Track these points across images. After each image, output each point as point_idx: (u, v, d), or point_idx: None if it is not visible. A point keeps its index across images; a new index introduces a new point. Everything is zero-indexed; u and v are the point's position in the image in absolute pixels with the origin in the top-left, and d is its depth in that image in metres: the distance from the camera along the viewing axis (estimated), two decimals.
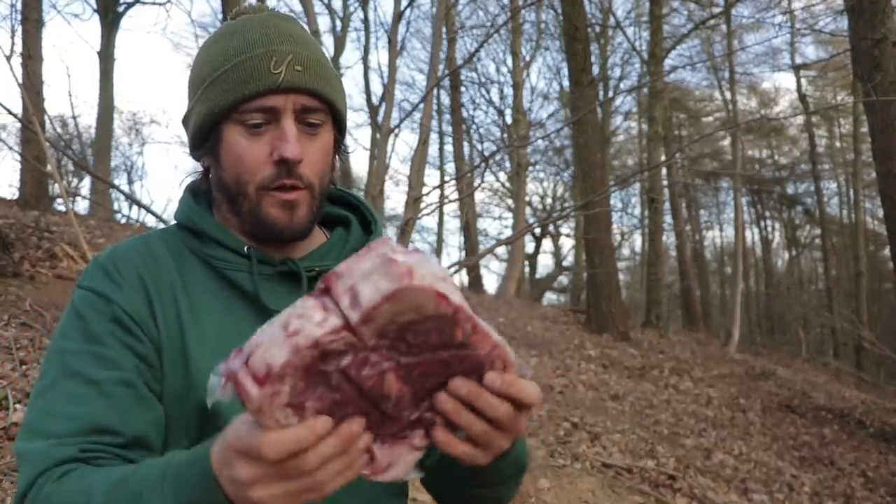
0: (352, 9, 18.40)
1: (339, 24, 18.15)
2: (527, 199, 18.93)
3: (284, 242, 1.01)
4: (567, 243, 23.72)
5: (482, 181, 19.47)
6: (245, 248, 0.99)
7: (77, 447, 0.82)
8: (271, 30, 0.98)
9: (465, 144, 18.89)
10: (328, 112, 0.99)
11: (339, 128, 1.03)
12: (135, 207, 18.05)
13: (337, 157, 1.06)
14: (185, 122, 1.04)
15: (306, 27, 1.08)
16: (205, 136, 0.99)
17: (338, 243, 1.07)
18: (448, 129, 18.41)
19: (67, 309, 0.95)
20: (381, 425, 0.68)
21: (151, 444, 0.89)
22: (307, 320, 0.61)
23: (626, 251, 25.66)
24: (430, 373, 0.67)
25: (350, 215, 1.11)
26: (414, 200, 3.75)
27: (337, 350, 0.62)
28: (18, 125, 8.23)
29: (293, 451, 0.62)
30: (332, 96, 0.98)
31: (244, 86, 0.94)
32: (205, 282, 0.98)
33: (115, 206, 16.80)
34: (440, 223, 21.47)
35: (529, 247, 21.45)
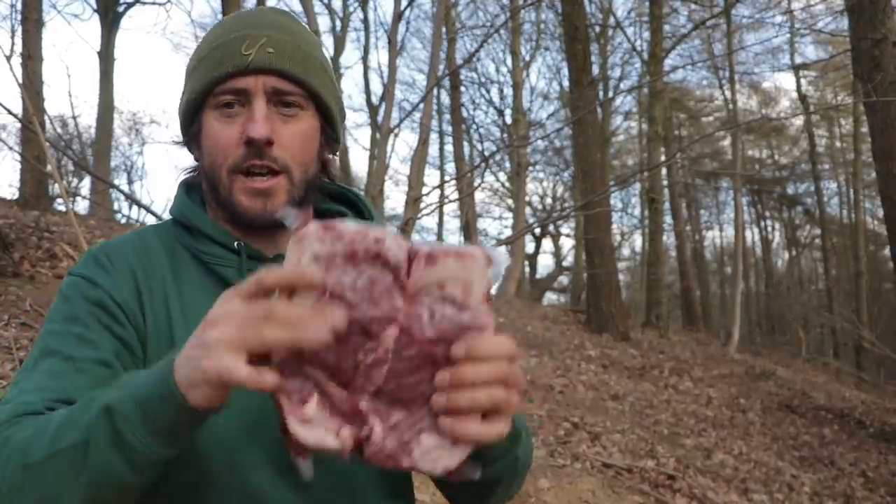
0: (352, 9, 18.41)
1: (339, 24, 18.16)
2: (527, 199, 18.95)
3: (267, 232, 0.99)
4: (567, 243, 23.76)
5: (482, 181, 19.49)
6: (235, 244, 0.98)
7: (42, 404, 0.81)
8: (253, 17, 0.98)
9: (465, 144, 18.90)
10: (308, 98, 0.97)
11: (327, 118, 1.01)
12: (135, 207, 18.07)
13: (328, 148, 1.03)
14: (179, 113, 1.04)
15: (306, 26, 1.07)
16: (188, 123, 1.00)
17: None
18: (448, 129, 18.42)
19: (57, 296, 0.95)
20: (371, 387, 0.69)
21: None
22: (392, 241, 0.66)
23: (626, 251, 25.69)
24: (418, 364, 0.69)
25: (348, 211, 1.10)
26: (414, 200, 3.75)
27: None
28: (18, 125, 8.22)
29: (282, 284, 0.65)
30: (307, 79, 0.95)
31: (216, 69, 0.94)
32: (196, 278, 0.97)
33: (115, 206, 16.80)
34: (440, 223, 21.48)
35: (529, 247, 21.47)
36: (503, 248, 0.69)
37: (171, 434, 0.71)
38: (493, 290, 0.68)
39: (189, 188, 1.06)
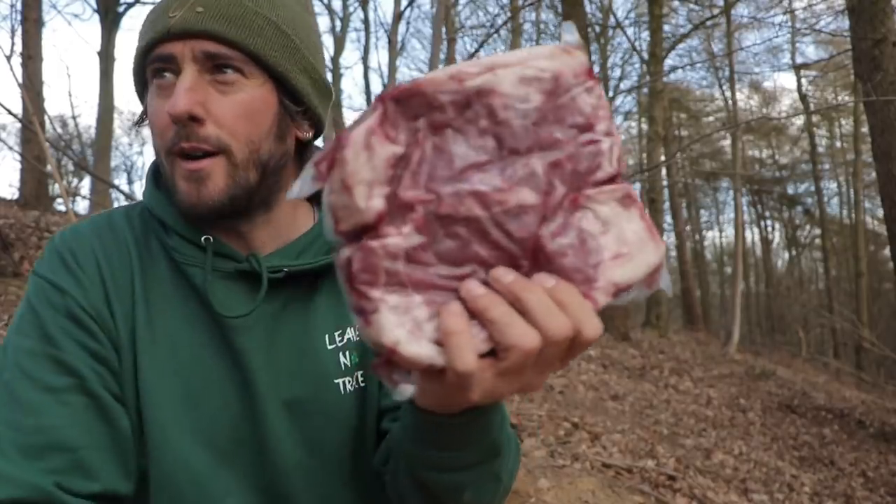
0: (352, 9, 18.40)
1: (339, 24, 18.16)
2: None
3: (235, 224, 0.85)
4: None
5: None
6: (202, 239, 0.84)
7: (51, 480, 0.73)
8: None
9: None
10: (254, 64, 0.80)
11: (288, 88, 0.83)
12: None
13: (297, 126, 0.87)
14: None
15: None
16: (140, 99, 0.86)
17: (317, 237, 0.89)
18: None
19: (23, 301, 0.84)
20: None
21: (99, 470, 0.77)
22: None
23: None
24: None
25: None
26: None
27: None
28: (18, 125, 8.23)
29: None
30: (245, 40, 0.78)
31: (143, 37, 0.80)
32: (165, 277, 0.85)
33: (115, 206, 16.80)
34: None
35: None
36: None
37: None
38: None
39: (157, 173, 0.91)
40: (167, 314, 0.84)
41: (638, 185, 16.70)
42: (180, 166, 0.79)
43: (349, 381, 0.87)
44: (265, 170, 0.82)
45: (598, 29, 15.64)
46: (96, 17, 14.24)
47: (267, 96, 0.81)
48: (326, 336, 0.87)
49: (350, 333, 0.88)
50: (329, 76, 0.94)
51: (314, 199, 0.94)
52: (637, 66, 17.86)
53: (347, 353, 0.88)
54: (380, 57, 29.15)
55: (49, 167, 4.81)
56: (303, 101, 0.85)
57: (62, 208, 8.72)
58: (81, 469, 0.75)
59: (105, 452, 0.78)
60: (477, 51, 4.59)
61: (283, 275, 0.84)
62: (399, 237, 0.50)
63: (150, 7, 0.84)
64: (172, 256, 0.85)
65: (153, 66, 0.80)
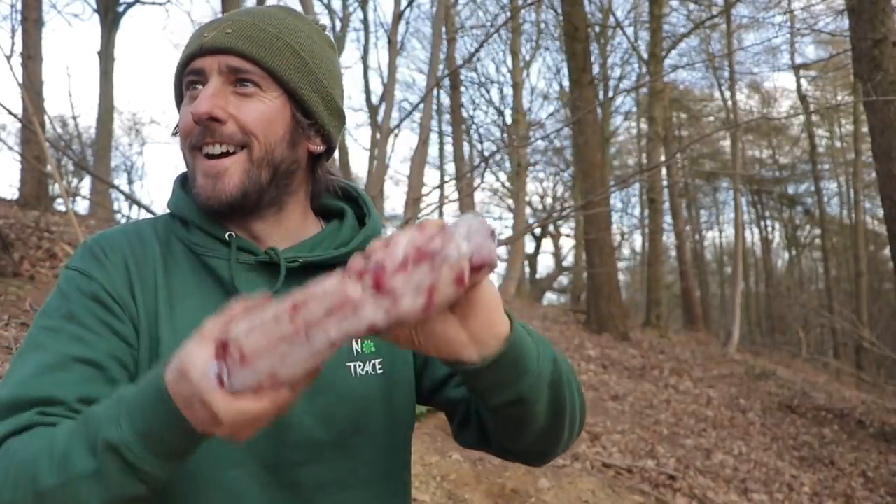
0: (352, 9, 18.41)
1: (339, 24, 18.16)
2: (527, 199, 18.93)
3: (250, 221, 0.96)
4: (567, 243, 23.76)
5: (482, 181, 19.50)
6: (226, 235, 0.95)
7: (33, 412, 0.81)
8: (233, 6, 1.01)
9: (465, 144, 18.90)
10: (271, 80, 0.92)
11: (301, 105, 0.95)
12: (135, 207, 18.06)
13: (308, 139, 0.98)
14: None
15: (307, 21, 1.06)
16: (178, 108, 1.00)
17: (330, 235, 1.02)
18: (448, 129, 18.42)
19: (54, 290, 0.95)
20: None
21: None
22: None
23: (626, 251, 25.68)
24: None
25: (346, 207, 1.07)
26: (414, 200, 3.75)
27: None
28: (18, 125, 8.22)
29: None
30: (264, 59, 0.92)
31: (182, 55, 0.95)
32: (187, 269, 0.95)
33: (115, 206, 16.82)
34: None
35: (529, 247, 21.46)
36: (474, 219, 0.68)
37: (180, 451, 0.74)
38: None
39: (185, 180, 1.04)
40: (188, 300, 0.94)
41: (638, 185, 16.73)
42: (201, 162, 0.92)
43: (360, 366, 0.97)
44: (276, 171, 0.94)
45: (598, 29, 15.64)
46: (96, 17, 14.26)
47: (281, 108, 0.94)
48: None
49: None
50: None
51: (320, 212, 1.07)
52: (637, 66, 17.87)
53: (360, 341, 0.99)
54: (380, 57, 29.09)
55: (49, 167, 4.81)
56: (313, 116, 0.97)
57: (62, 208, 8.71)
58: (72, 412, 0.83)
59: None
60: (477, 51, 4.58)
61: (298, 265, 0.95)
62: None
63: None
64: (194, 251, 0.95)
65: (187, 79, 0.94)
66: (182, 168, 1.07)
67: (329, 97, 0.98)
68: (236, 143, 0.91)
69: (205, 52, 0.92)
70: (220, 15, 1.10)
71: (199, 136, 0.91)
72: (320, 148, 1.00)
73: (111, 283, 0.91)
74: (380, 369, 0.98)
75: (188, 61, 0.94)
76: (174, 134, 1.00)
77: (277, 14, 0.98)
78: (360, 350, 0.98)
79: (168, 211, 1.03)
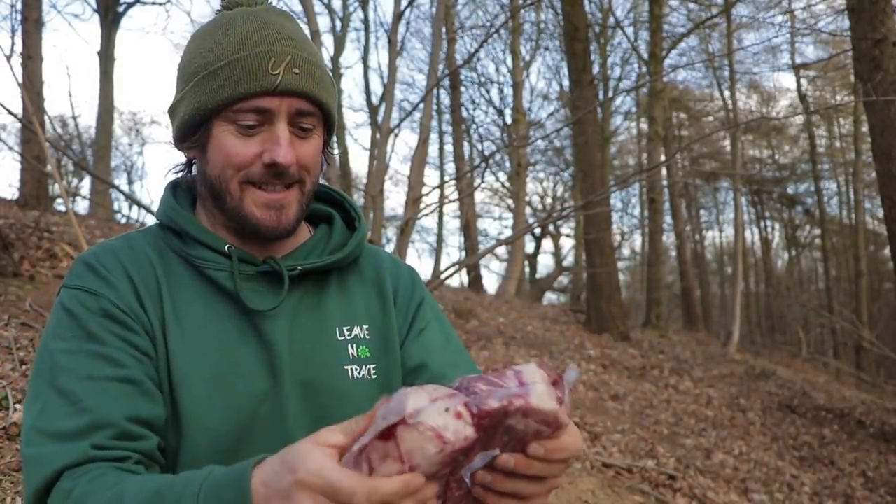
0: (352, 9, 18.39)
1: (339, 24, 18.15)
2: (527, 199, 18.94)
3: (268, 241, 1.00)
4: (567, 243, 23.76)
5: (482, 181, 19.47)
6: (226, 248, 0.97)
7: (88, 443, 0.80)
8: (270, 28, 0.95)
9: (465, 144, 18.89)
10: (320, 116, 0.98)
11: (329, 129, 1.03)
12: (135, 207, 18.07)
13: (323, 157, 1.05)
14: (171, 112, 1.01)
15: (305, 27, 1.07)
16: (193, 129, 0.97)
17: (321, 240, 1.06)
18: (448, 129, 18.42)
19: (55, 311, 0.93)
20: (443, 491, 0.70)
21: (155, 434, 0.88)
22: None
23: (626, 251, 25.66)
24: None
25: (333, 212, 1.10)
26: (414, 200, 3.75)
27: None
28: (18, 125, 8.22)
29: (383, 502, 0.62)
30: (326, 100, 0.97)
31: (240, 84, 0.92)
32: (188, 281, 0.97)
33: (115, 206, 16.83)
34: (440, 223, 21.50)
35: (529, 247, 21.44)
36: (572, 368, 0.73)
37: None
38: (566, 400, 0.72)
39: (176, 189, 1.05)
40: (193, 310, 0.96)
41: (638, 185, 16.73)
42: (257, 194, 0.95)
43: (356, 370, 1.01)
44: (311, 196, 1.02)
45: (597, 29, 15.64)
46: (96, 17, 14.25)
47: (322, 138, 1.00)
48: (336, 328, 1.02)
49: (357, 330, 1.04)
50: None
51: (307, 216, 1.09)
52: (637, 66, 17.86)
53: (356, 346, 1.02)
54: (380, 57, 29.06)
55: (49, 167, 4.81)
56: (332, 138, 1.05)
57: (62, 208, 8.72)
58: (125, 437, 0.84)
59: (144, 417, 0.87)
60: (477, 50, 4.58)
61: (297, 272, 0.99)
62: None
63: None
64: (193, 263, 0.97)
65: (246, 114, 0.92)
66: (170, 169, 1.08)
67: (339, 115, 1.06)
68: (297, 180, 0.96)
69: (275, 93, 0.92)
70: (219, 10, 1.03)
71: (263, 176, 0.94)
72: (327, 162, 1.06)
73: (120, 298, 0.91)
74: (374, 374, 1.02)
75: (252, 95, 0.92)
76: (184, 148, 1.01)
77: (304, 35, 0.99)
78: (356, 354, 1.02)
79: (156, 221, 1.04)
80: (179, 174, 1.07)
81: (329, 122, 1.00)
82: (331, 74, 1.01)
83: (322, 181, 1.12)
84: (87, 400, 0.83)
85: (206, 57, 0.95)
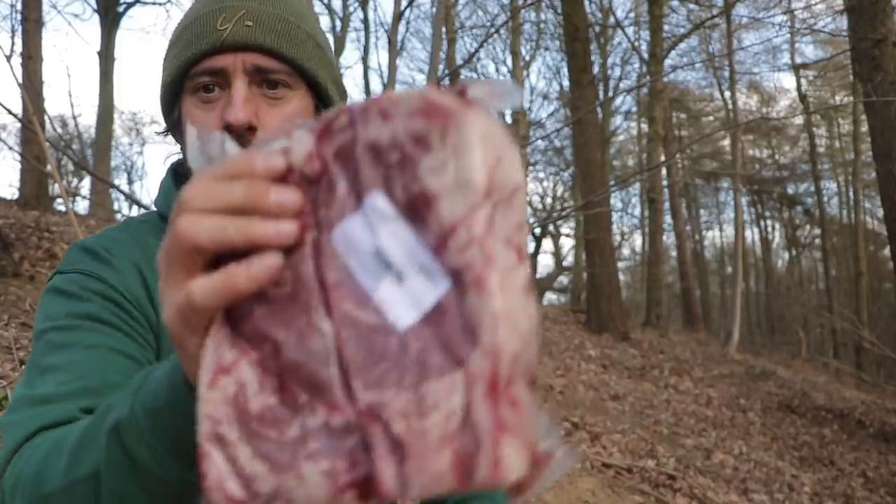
0: (352, 9, 18.40)
1: (339, 24, 18.15)
2: (527, 199, 18.91)
3: None
4: (567, 243, 23.75)
5: None
6: None
7: (76, 405, 0.66)
8: None
9: None
10: (297, 76, 0.84)
11: (321, 96, 0.88)
12: (135, 207, 18.05)
13: None
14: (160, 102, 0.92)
15: None
16: (169, 111, 0.88)
17: None
18: None
19: (45, 296, 0.80)
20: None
21: None
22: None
23: (626, 251, 25.67)
24: None
25: None
26: None
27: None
28: (18, 125, 8.22)
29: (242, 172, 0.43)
30: (293, 54, 0.83)
31: (189, 47, 0.82)
32: None
33: (115, 206, 16.82)
34: None
35: (529, 247, 21.36)
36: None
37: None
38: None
39: (177, 175, 0.95)
40: None
41: (638, 185, 16.74)
42: None
43: None
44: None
45: (598, 29, 15.64)
46: (96, 17, 14.25)
47: (308, 107, 0.86)
48: None
49: None
50: None
51: None
52: (637, 66, 17.87)
53: None
54: (380, 57, 29.19)
55: (49, 167, 4.81)
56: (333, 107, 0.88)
57: (62, 208, 8.71)
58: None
59: None
60: (477, 50, 4.59)
61: None
62: None
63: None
64: None
65: (199, 80, 0.82)
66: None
67: (341, 85, 0.91)
68: None
69: (224, 49, 0.81)
70: None
71: None
72: None
73: (123, 283, 0.80)
74: None
75: (200, 58, 0.81)
76: (164, 133, 0.90)
77: (289, 1, 0.88)
78: None
79: (154, 209, 0.93)
80: (178, 158, 0.97)
81: (315, 87, 0.86)
82: (316, 33, 0.88)
83: None
84: (82, 367, 0.71)
85: (174, 32, 0.87)
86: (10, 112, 3.03)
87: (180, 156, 0.97)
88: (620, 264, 21.06)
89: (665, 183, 14.90)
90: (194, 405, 0.44)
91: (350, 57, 50.64)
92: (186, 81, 0.83)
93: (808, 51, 28.86)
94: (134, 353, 0.75)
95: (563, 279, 23.53)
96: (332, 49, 0.93)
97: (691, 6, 15.05)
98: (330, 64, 0.88)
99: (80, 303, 0.76)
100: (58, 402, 0.67)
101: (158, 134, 0.92)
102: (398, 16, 4.21)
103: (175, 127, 0.89)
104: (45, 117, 5.98)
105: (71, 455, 0.59)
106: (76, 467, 0.58)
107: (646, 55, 13.92)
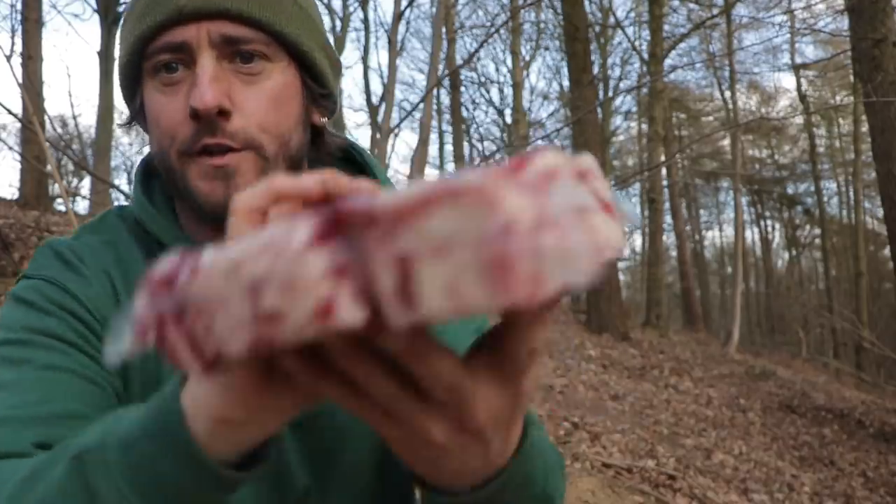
0: (352, 9, 18.40)
1: (339, 24, 18.15)
2: None
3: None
4: None
5: None
6: (173, 238, 0.73)
7: (25, 437, 0.57)
8: None
9: (466, 144, 18.90)
10: (277, 45, 0.70)
11: (309, 69, 0.74)
12: None
13: (317, 109, 0.77)
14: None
15: None
16: (131, 96, 0.75)
17: None
18: (448, 129, 18.44)
19: (7, 303, 0.71)
20: None
21: None
22: None
23: (626, 251, 25.68)
24: None
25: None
26: None
27: None
28: (18, 125, 8.22)
29: None
30: (269, 18, 0.68)
31: (143, 20, 0.68)
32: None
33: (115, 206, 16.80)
34: None
35: None
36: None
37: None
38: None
39: (148, 171, 0.81)
40: None
41: (638, 185, 16.73)
42: (200, 164, 0.68)
43: None
44: (292, 163, 0.72)
45: (598, 29, 15.64)
46: (96, 17, 14.25)
47: (293, 80, 0.72)
48: None
49: None
50: None
51: None
52: (637, 66, 17.88)
53: None
54: (380, 57, 29.20)
55: (49, 167, 4.81)
56: (324, 82, 0.76)
57: (62, 208, 8.72)
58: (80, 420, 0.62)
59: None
60: (477, 50, 4.58)
61: None
62: None
63: None
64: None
65: (158, 59, 0.68)
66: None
67: (332, 52, 0.78)
68: (246, 143, 0.68)
69: (185, 19, 0.67)
70: None
71: (195, 137, 0.67)
72: (325, 119, 0.78)
73: (93, 299, 0.69)
74: None
75: (156, 32, 0.68)
76: (126, 124, 0.79)
77: None
78: None
79: (127, 209, 0.81)
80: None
81: (301, 57, 0.72)
82: (307, 3, 0.74)
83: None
84: (35, 390, 0.61)
85: (129, 2, 0.73)
86: (10, 112, 3.03)
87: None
88: (620, 264, 21.07)
89: (665, 183, 14.90)
90: (194, 446, 0.41)
91: (350, 57, 50.62)
92: (144, 62, 0.70)
93: (809, 51, 28.90)
94: (95, 377, 0.65)
95: None
96: (320, 15, 0.79)
97: (691, 6, 15.07)
98: (316, 28, 0.74)
99: (41, 316, 0.67)
100: (3, 426, 0.59)
101: (121, 126, 0.80)
102: (398, 16, 4.21)
103: (138, 115, 0.76)
104: (45, 117, 5.98)
105: (15, 490, 0.49)
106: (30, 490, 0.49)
107: (646, 55, 13.92)
